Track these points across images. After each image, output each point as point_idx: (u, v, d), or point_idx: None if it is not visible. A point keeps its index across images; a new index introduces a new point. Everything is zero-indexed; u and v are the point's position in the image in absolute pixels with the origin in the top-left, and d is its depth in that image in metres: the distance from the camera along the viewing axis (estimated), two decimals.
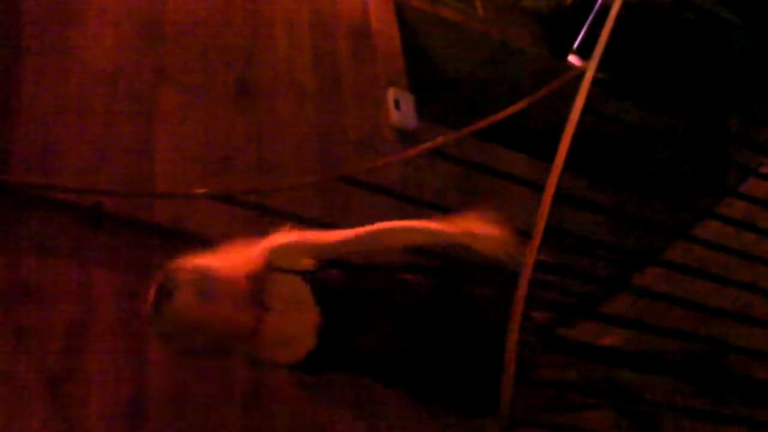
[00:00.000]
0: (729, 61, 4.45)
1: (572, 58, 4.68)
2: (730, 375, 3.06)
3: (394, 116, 3.67)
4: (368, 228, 2.22)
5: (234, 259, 2.15)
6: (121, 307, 2.78)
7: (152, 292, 2.09)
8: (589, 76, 3.03)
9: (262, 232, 2.21)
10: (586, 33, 4.58)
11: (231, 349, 2.20)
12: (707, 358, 3.05)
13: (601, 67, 3.09)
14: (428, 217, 2.33)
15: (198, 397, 2.79)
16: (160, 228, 2.96)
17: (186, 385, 2.78)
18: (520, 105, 3.04)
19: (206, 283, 2.07)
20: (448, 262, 2.68)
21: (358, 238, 2.22)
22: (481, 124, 3.03)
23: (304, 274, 2.17)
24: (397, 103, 3.70)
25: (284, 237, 2.18)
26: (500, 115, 3.02)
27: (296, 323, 2.16)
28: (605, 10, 3.42)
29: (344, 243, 2.22)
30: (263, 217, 2.97)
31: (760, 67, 4.32)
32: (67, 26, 3.20)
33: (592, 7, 4.53)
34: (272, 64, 3.58)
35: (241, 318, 2.10)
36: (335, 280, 2.21)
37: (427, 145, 2.97)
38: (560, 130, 2.98)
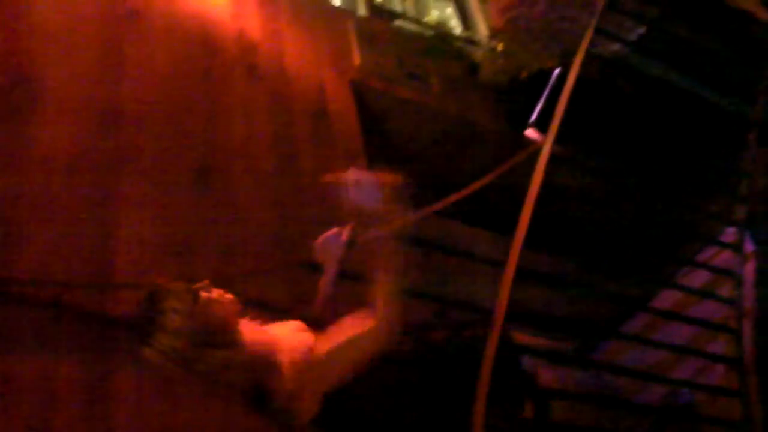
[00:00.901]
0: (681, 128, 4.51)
1: (530, 131, 4.72)
2: None
3: (355, 196, 3.67)
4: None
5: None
6: (85, 399, 2.75)
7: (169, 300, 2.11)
8: (546, 151, 3.08)
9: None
10: (543, 106, 4.62)
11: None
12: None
13: (559, 139, 3.13)
14: None
15: None
16: (122, 318, 2.93)
17: None
18: (478, 184, 3.06)
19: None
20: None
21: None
22: (441, 204, 3.05)
23: None
24: (357, 183, 3.69)
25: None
26: (459, 195, 3.04)
27: None
28: (560, 83, 3.48)
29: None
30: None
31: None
32: (24, 116, 3.20)
33: (548, 81, 4.59)
34: (230, 147, 3.58)
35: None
36: None
37: (386, 227, 2.96)
38: (520, 203, 3.01)
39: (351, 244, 2.63)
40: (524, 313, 2.86)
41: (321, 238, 2.64)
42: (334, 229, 2.64)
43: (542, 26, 4.58)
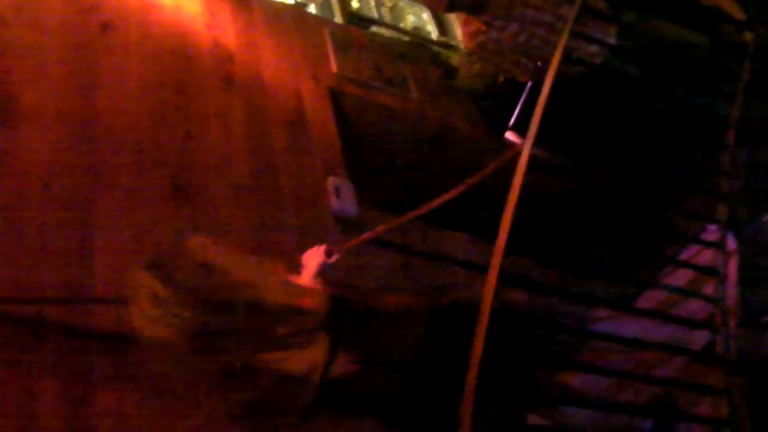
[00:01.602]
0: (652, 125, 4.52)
1: (509, 135, 4.72)
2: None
3: (335, 204, 3.66)
4: None
5: None
6: (66, 418, 2.72)
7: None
8: (525, 155, 3.07)
9: None
10: (521, 110, 4.62)
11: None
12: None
13: (540, 143, 3.13)
14: None
15: None
16: (102, 333, 2.91)
17: None
18: (457, 190, 3.05)
19: None
20: None
21: None
22: (422, 209, 3.04)
23: None
24: (337, 192, 3.69)
25: None
26: (439, 200, 3.03)
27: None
28: (537, 87, 3.48)
29: None
30: None
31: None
32: None
33: (525, 85, 4.59)
34: (207, 159, 3.56)
35: None
36: None
37: (367, 235, 2.96)
38: (501, 207, 3.01)
39: (329, 253, 2.63)
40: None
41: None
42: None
43: (512, 48, 4.60)
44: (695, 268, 3.38)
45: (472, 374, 2.23)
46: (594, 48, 4.33)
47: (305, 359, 2.26)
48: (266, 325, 2.24)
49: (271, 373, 2.23)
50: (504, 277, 2.72)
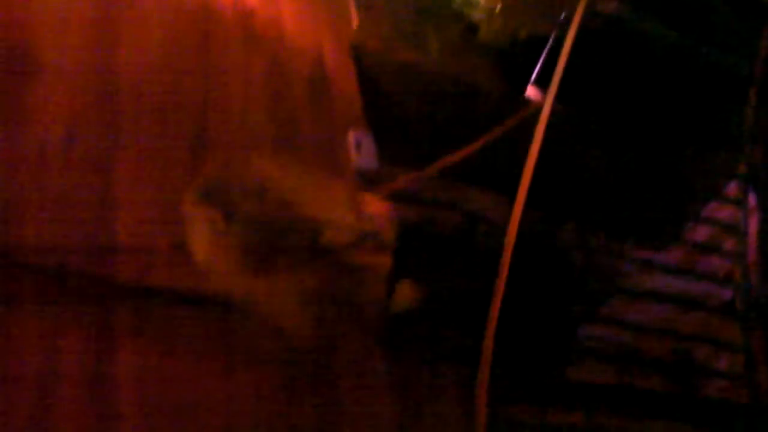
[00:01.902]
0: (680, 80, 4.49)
1: (531, 91, 4.69)
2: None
3: (356, 159, 3.67)
4: None
5: None
6: (87, 370, 2.75)
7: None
8: (546, 110, 3.07)
9: None
10: (543, 65, 4.60)
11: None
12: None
13: (561, 98, 3.13)
14: None
15: None
16: (125, 285, 2.94)
17: None
18: (478, 144, 3.05)
19: None
20: None
21: None
22: (443, 163, 3.04)
23: None
24: (357, 146, 3.69)
25: None
26: (460, 155, 3.03)
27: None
28: (560, 42, 3.46)
29: None
30: None
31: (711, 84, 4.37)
32: (21, 85, 3.19)
33: (547, 39, 4.56)
34: (228, 113, 3.57)
35: None
36: None
37: (388, 188, 2.97)
38: (521, 163, 3.01)
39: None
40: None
41: None
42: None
43: (535, 1, 4.57)
44: (716, 224, 3.38)
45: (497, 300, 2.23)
46: (614, 3, 4.30)
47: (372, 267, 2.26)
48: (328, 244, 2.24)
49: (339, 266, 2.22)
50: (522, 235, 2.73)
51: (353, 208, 2.27)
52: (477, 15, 5.24)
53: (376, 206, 2.36)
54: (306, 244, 2.18)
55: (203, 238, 2.17)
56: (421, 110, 4.51)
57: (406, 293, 2.34)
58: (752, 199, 3.41)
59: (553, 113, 3.04)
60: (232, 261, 2.17)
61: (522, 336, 2.49)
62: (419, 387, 3.15)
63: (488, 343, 2.26)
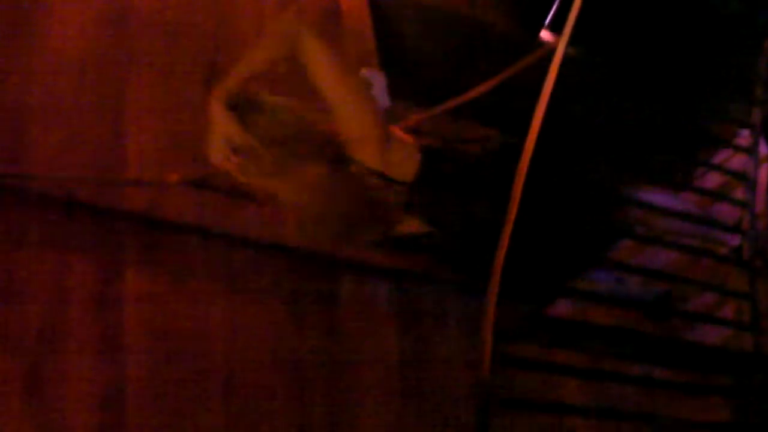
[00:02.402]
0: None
1: (544, 34, 4.66)
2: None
3: None
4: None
5: None
6: (95, 294, 2.77)
7: None
8: (560, 52, 3.04)
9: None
10: (557, 8, 4.56)
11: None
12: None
13: (575, 41, 3.10)
14: None
15: (177, 384, 2.79)
16: (133, 215, 2.94)
17: (163, 371, 2.78)
18: (490, 83, 3.03)
19: None
20: None
21: None
22: (455, 102, 3.03)
23: None
24: (369, 83, 3.67)
25: None
26: (472, 93, 3.02)
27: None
28: None
29: None
30: (237, 201, 2.97)
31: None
32: (31, 14, 3.17)
33: None
34: (240, 44, 3.54)
35: None
36: None
37: (400, 124, 2.96)
38: (534, 105, 2.99)
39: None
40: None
41: None
42: None
43: None
44: (726, 172, 3.36)
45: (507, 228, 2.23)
46: None
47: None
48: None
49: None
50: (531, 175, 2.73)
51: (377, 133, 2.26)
52: None
53: (401, 135, 2.36)
54: (328, 153, 2.18)
55: (220, 142, 2.17)
56: (435, 49, 4.48)
57: (411, 224, 2.35)
58: (763, 149, 3.40)
59: (566, 56, 3.01)
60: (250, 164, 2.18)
61: (526, 271, 2.50)
62: (424, 317, 3.17)
63: (496, 278, 2.25)
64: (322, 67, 2.27)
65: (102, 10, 3.31)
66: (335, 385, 3.00)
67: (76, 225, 2.85)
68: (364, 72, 3.72)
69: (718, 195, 3.26)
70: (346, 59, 2.37)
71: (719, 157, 3.53)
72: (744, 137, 3.50)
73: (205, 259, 3.00)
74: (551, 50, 3.11)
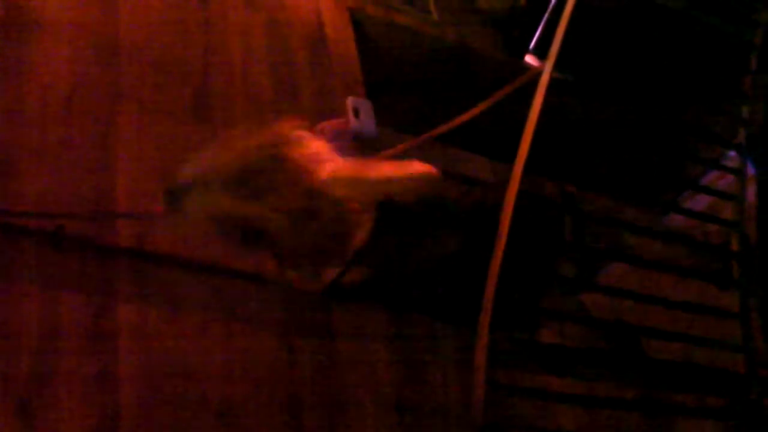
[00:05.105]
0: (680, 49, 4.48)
1: (529, 58, 4.68)
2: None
3: (354, 124, 3.65)
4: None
5: None
6: (87, 328, 2.76)
7: None
8: (545, 76, 3.06)
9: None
10: (542, 32, 4.58)
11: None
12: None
13: (560, 66, 3.12)
14: None
15: (171, 416, 2.77)
16: (123, 248, 2.94)
17: (158, 402, 2.77)
18: (477, 109, 3.05)
19: None
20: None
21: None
22: (442, 128, 3.04)
23: None
24: (356, 111, 3.68)
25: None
26: (459, 120, 3.03)
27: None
28: (559, 8, 3.45)
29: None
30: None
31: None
32: (20, 45, 3.17)
33: (546, 7, 4.54)
34: (228, 75, 3.55)
35: None
36: None
37: (388, 152, 2.97)
38: (520, 130, 3.00)
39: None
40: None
41: None
42: None
43: None
44: (714, 193, 3.38)
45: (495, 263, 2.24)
46: None
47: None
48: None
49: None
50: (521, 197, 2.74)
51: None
52: None
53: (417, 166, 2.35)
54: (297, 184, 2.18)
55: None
56: (421, 76, 4.50)
57: (354, 276, 2.38)
58: (750, 169, 3.42)
59: (553, 80, 3.03)
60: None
61: (508, 298, 2.51)
62: (417, 343, 3.17)
63: (487, 305, 2.27)
64: None
65: (90, 43, 3.31)
66: (331, 414, 2.99)
67: (67, 259, 2.83)
68: (351, 99, 3.73)
69: (707, 217, 3.28)
70: None
71: (707, 179, 3.56)
72: (731, 158, 3.52)
73: (197, 291, 2.99)
74: (537, 74, 3.13)
